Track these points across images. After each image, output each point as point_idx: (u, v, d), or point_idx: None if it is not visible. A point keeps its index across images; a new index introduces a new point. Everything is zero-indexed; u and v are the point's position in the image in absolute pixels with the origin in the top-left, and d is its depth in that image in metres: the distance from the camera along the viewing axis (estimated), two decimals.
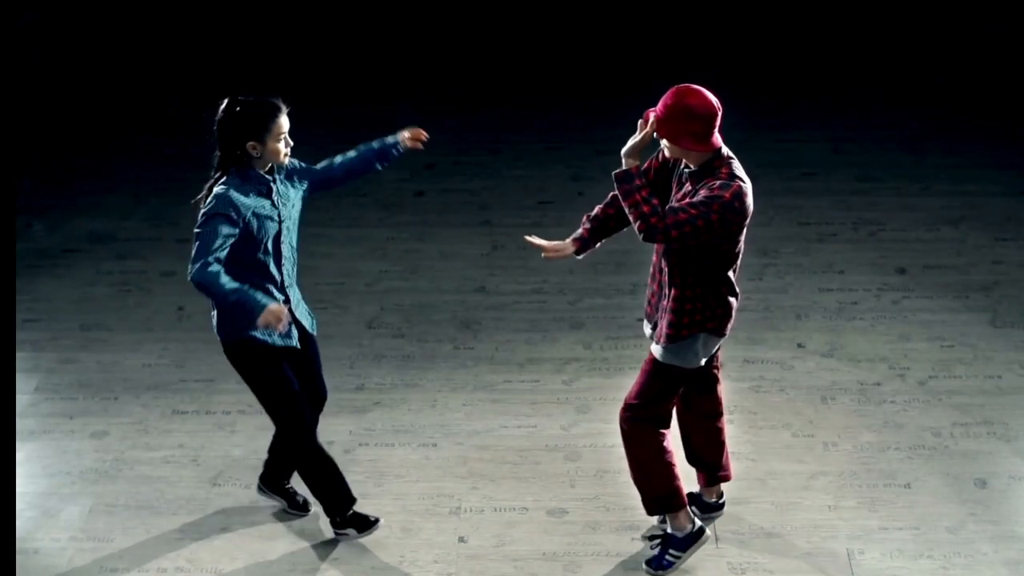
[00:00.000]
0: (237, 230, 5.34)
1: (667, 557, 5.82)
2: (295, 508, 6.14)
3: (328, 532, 6.04)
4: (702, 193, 5.23)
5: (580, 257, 5.80)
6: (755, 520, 6.09)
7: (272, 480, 6.13)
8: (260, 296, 5.33)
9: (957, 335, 7.38)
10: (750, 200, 5.28)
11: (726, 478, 6.06)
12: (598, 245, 5.78)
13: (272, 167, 5.50)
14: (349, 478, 6.32)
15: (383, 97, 10.24)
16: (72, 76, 10.50)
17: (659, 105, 5.28)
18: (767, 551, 5.92)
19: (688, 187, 5.34)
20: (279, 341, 5.59)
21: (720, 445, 5.98)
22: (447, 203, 8.82)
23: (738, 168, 5.30)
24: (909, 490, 6.26)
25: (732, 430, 6.66)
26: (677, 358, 5.52)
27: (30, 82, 10.11)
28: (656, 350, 5.56)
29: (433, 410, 6.87)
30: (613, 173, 5.28)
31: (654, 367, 5.60)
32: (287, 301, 5.61)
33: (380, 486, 6.33)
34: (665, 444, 5.69)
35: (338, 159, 5.82)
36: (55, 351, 7.35)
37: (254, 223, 5.41)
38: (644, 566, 5.85)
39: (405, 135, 5.95)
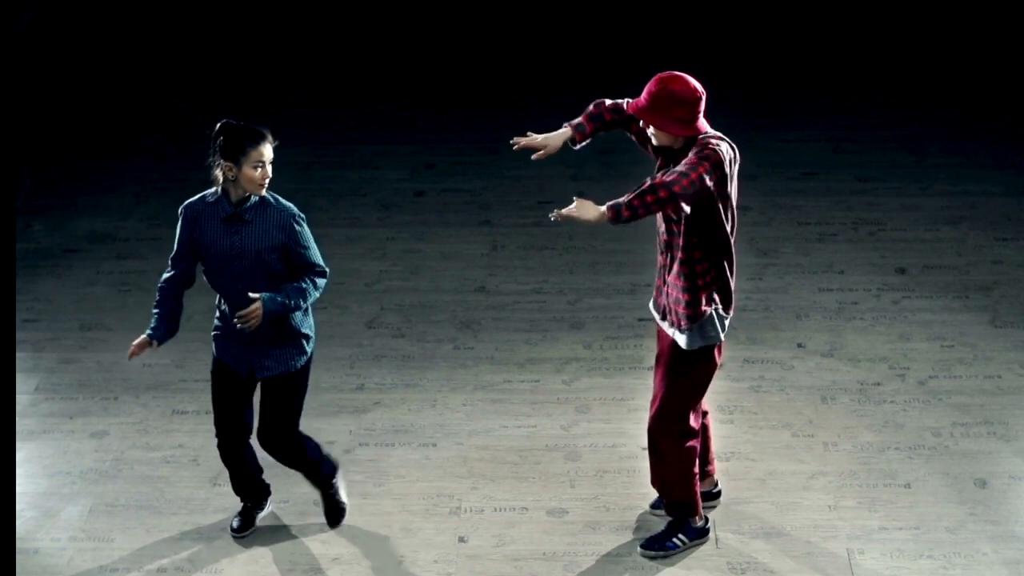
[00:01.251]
0: (186, 244, 5.60)
1: (674, 540, 5.89)
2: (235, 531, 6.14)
3: (328, 532, 6.04)
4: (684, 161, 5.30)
5: (576, 147, 5.73)
6: (755, 520, 6.09)
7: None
8: (152, 324, 5.67)
9: (957, 335, 7.38)
10: (725, 146, 5.32)
11: (712, 472, 6.12)
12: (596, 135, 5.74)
13: (251, 199, 5.49)
14: (349, 478, 6.34)
15: (383, 97, 10.24)
16: (72, 76, 10.50)
17: (643, 94, 5.38)
18: (767, 551, 5.92)
19: (661, 166, 5.47)
20: (216, 353, 5.79)
21: (708, 441, 6.04)
22: (447, 203, 8.82)
23: (713, 138, 5.35)
24: (909, 490, 6.26)
25: (732, 430, 6.66)
26: (702, 338, 5.54)
27: (30, 82, 10.11)
28: (681, 339, 5.56)
29: (433, 410, 6.87)
30: (611, 221, 5.24)
31: (682, 360, 5.60)
32: (228, 325, 5.66)
33: (380, 486, 6.33)
34: (693, 456, 5.75)
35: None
36: (55, 351, 7.35)
37: (202, 243, 5.57)
38: (640, 548, 5.89)
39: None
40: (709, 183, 5.24)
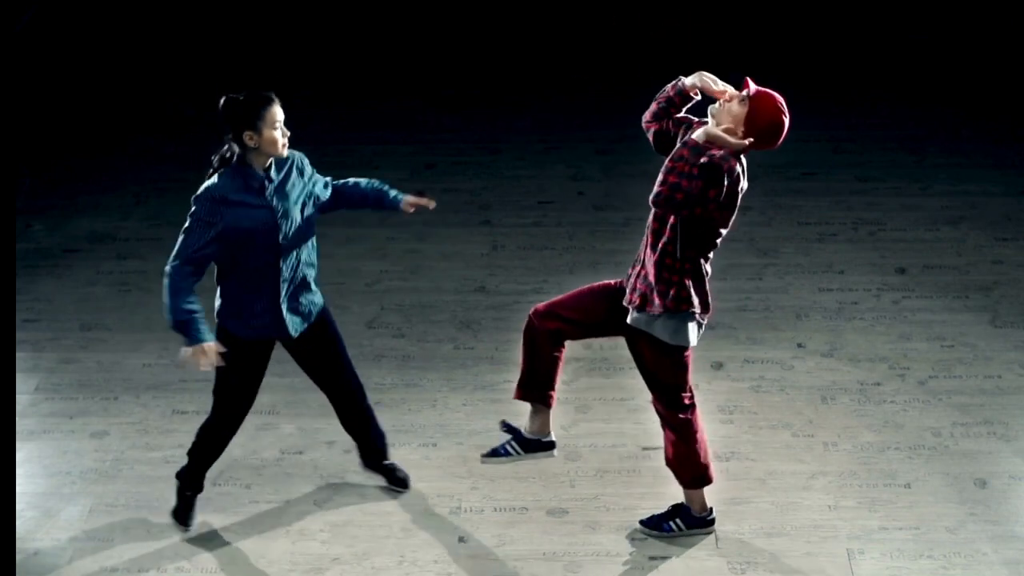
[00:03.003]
0: (214, 231, 5.45)
1: (671, 523, 5.95)
2: (395, 484, 6.24)
3: (328, 532, 6.04)
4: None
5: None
6: (755, 520, 6.09)
7: (371, 457, 6.25)
8: (199, 330, 5.47)
9: (957, 335, 7.38)
10: (740, 173, 5.40)
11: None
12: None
13: (272, 163, 5.53)
14: (349, 478, 6.34)
15: (383, 97, 10.24)
16: (72, 76, 10.50)
17: (766, 108, 5.51)
18: (767, 551, 5.92)
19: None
20: (250, 335, 5.70)
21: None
22: (447, 203, 8.80)
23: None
24: (909, 490, 6.26)
25: (732, 430, 6.66)
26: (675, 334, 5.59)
27: (30, 82, 10.11)
28: (657, 329, 5.57)
29: (433, 410, 6.87)
30: (689, 142, 5.28)
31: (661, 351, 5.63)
32: (275, 296, 5.66)
33: (380, 486, 6.33)
34: (700, 424, 5.82)
35: (354, 183, 6.00)
36: (55, 351, 7.35)
37: (239, 218, 5.48)
38: (639, 522, 5.94)
39: (409, 199, 5.98)
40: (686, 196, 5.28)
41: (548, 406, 5.83)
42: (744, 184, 5.42)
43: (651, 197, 5.29)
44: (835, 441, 6.59)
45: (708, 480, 5.91)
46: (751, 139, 5.38)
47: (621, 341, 7.36)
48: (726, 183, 5.31)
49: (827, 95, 10.13)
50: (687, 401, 5.74)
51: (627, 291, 5.64)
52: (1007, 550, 5.90)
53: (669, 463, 5.90)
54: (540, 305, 5.77)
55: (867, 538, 5.98)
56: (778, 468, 6.41)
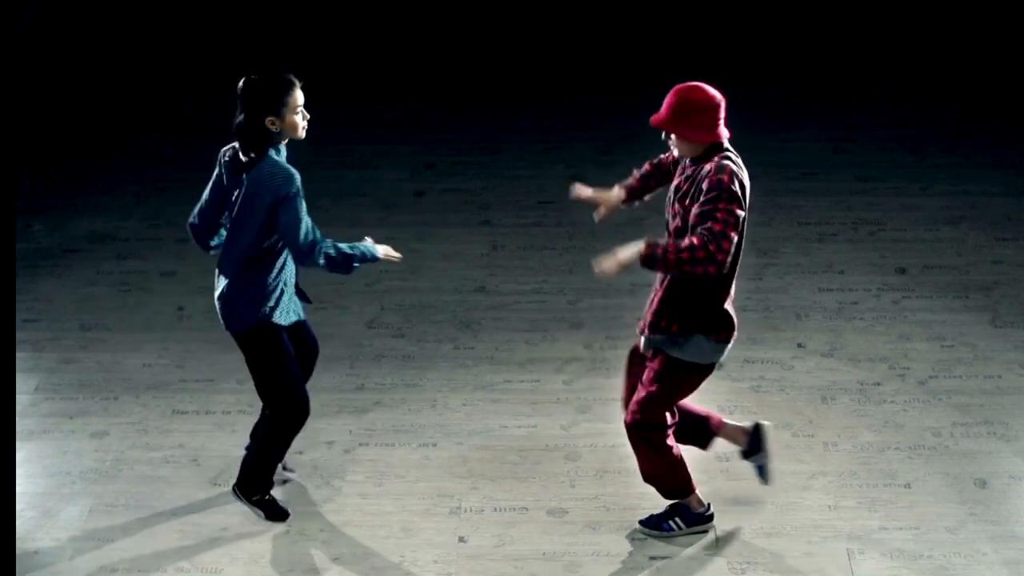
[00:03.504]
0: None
1: (670, 523, 5.95)
2: (271, 518, 6.11)
3: (328, 532, 6.04)
4: (703, 187, 5.32)
5: (635, 205, 5.96)
6: (755, 520, 6.09)
7: (251, 487, 6.15)
8: (363, 245, 5.69)
9: (957, 335, 7.38)
10: (744, 175, 5.39)
11: (719, 425, 6.12)
12: (647, 198, 5.94)
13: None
14: (349, 478, 6.34)
15: (383, 97, 10.24)
16: (72, 76, 10.50)
17: (663, 108, 5.39)
18: (767, 551, 5.92)
19: (688, 171, 5.46)
20: (293, 318, 5.75)
21: (693, 413, 6.08)
22: (447, 203, 8.82)
23: (732, 154, 5.42)
24: (909, 490, 6.26)
25: None
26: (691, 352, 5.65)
27: (30, 82, 10.11)
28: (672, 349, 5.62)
29: (433, 410, 6.87)
30: (643, 263, 5.36)
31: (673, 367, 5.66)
32: (294, 279, 5.79)
33: (380, 486, 6.33)
34: (671, 442, 5.80)
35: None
36: (55, 351, 7.35)
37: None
38: (639, 523, 5.95)
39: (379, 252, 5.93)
40: (736, 231, 5.33)
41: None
42: (745, 177, 5.40)
43: (714, 268, 5.29)
44: (835, 441, 6.59)
45: (690, 490, 5.93)
46: (699, 132, 5.34)
47: (621, 342, 7.39)
48: (739, 189, 5.31)
49: (827, 95, 10.13)
50: (669, 420, 5.77)
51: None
52: (1007, 550, 5.89)
53: (648, 479, 5.94)
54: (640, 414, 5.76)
55: (867, 538, 5.97)
56: (778, 468, 6.40)
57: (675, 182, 5.53)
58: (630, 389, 5.86)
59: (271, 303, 5.67)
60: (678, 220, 5.46)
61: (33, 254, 8.24)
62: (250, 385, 7.00)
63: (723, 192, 5.28)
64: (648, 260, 5.31)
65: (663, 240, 5.38)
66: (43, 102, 10.04)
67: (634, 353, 5.88)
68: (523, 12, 11.33)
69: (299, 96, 5.51)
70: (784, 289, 7.84)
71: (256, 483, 6.07)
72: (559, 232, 8.38)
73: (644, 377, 5.71)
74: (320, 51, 10.91)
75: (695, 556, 5.88)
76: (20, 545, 5.94)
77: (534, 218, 8.54)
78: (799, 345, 7.34)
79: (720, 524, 6.05)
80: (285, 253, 5.65)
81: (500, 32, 11.17)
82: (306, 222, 5.53)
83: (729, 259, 5.32)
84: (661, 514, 6.00)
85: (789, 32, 11.08)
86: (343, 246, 5.62)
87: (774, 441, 6.57)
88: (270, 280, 5.64)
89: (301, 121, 5.54)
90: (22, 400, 6.90)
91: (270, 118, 5.46)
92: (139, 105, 10.12)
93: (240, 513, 6.15)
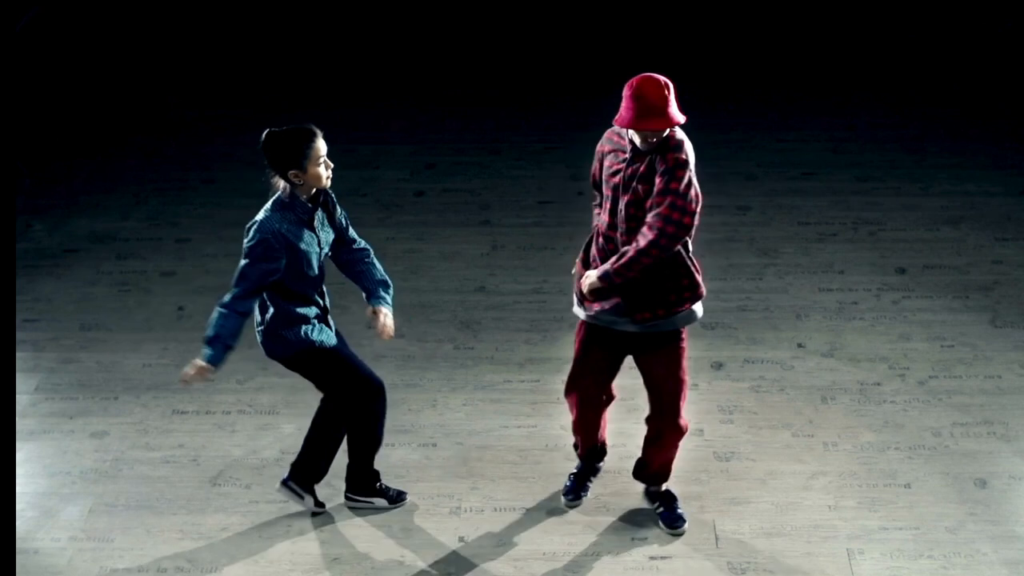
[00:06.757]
0: (277, 264, 5.49)
1: (680, 510, 6.05)
2: (394, 502, 6.19)
3: (328, 532, 6.04)
4: (660, 170, 5.44)
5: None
6: (755, 520, 6.09)
7: (362, 485, 6.19)
8: (223, 357, 5.48)
9: (957, 335, 7.38)
10: (689, 147, 5.50)
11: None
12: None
13: (317, 193, 5.60)
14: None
15: (383, 97, 10.25)
16: (72, 77, 10.50)
17: (624, 107, 5.49)
18: (767, 551, 5.92)
19: (646, 161, 5.52)
20: (327, 342, 5.78)
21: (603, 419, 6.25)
22: (447, 203, 8.82)
23: (681, 135, 5.52)
24: (909, 490, 6.26)
25: (732, 430, 6.66)
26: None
27: (30, 82, 10.12)
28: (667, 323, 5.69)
29: (433, 410, 6.87)
30: (595, 290, 5.59)
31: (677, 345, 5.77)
32: (324, 309, 5.84)
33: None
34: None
35: (364, 263, 6.03)
36: (55, 351, 7.35)
37: (296, 250, 5.54)
38: (665, 526, 6.02)
39: (378, 322, 5.93)
40: (695, 206, 5.42)
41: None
42: (690, 150, 5.48)
43: (658, 248, 5.40)
44: (835, 441, 6.59)
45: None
46: (649, 118, 5.41)
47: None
48: (690, 159, 5.42)
49: (827, 95, 10.13)
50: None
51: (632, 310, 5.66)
52: (1007, 550, 5.90)
53: (653, 472, 6.03)
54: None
55: (867, 538, 5.98)
56: (778, 468, 6.41)
57: (628, 170, 5.55)
58: (593, 368, 5.86)
59: (306, 327, 5.73)
60: (633, 204, 5.53)
61: (33, 254, 8.24)
62: (250, 384, 7.03)
63: (677, 165, 5.40)
64: (609, 288, 5.55)
65: (607, 264, 5.55)
66: (43, 102, 10.05)
67: (593, 332, 5.83)
68: (523, 13, 11.33)
69: (321, 147, 5.49)
70: (784, 289, 7.84)
71: (364, 479, 6.12)
72: (559, 232, 8.38)
73: (656, 375, 5.77)
74: (320, 51, 10.92)
75: (695, 556, 5.88)
76: (20, 545, 5.95)
77: (534, 218, 8.55)
78: (799, 345, 7.34)
79: (720, 524, 6.05)
80: (304, 282, 5.67)
81: (501, 32, 11.18)
82: (237, 277, 5.50)
83: (696, 218, 5.41)
84: (668, 508, 6.07)
85: (789, 32, 11.09)
86: (215, 325, 5.47)
87: (774, 441, 6.58)
88: (294, 309, 5.68)
89: (324, 171, 5.53)
90: (22, 400, 6.91)
91: (293, 171, 5.46)
92: (139, 105, 10.13)
93: (240, 513, 6.16)
